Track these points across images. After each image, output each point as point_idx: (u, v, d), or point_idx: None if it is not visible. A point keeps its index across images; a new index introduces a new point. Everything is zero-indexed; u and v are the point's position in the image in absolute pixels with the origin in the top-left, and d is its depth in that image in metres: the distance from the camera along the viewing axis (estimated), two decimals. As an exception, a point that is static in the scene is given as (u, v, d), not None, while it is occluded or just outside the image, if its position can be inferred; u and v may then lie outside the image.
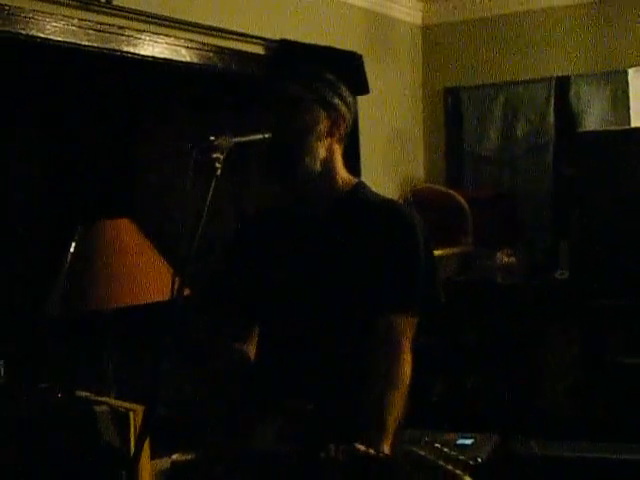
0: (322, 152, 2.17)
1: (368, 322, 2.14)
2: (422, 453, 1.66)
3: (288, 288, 2.21)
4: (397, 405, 2.07)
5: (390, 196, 2.40)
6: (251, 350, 2.35)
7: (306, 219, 2.24)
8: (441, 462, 1.63)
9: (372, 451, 1.79)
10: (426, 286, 2.17)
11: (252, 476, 2.09)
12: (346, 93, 2.22)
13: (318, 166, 2.16)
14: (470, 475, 1.61)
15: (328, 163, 2.19)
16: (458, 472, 1.61)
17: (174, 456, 3.01)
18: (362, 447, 1.81)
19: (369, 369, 2.12)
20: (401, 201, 4.80)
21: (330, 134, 2.19)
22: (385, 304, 2.14)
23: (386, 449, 1.97)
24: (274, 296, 2.24)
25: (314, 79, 2.18)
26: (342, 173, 2.25)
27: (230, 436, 2.17)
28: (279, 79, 2.17)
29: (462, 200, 5.13)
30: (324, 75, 2.19)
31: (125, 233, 3.28)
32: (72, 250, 3.23)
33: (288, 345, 2.20)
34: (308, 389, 2.11)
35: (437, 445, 1.68)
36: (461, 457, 1.64)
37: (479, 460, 1.72)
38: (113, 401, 2.92)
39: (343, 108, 2.20)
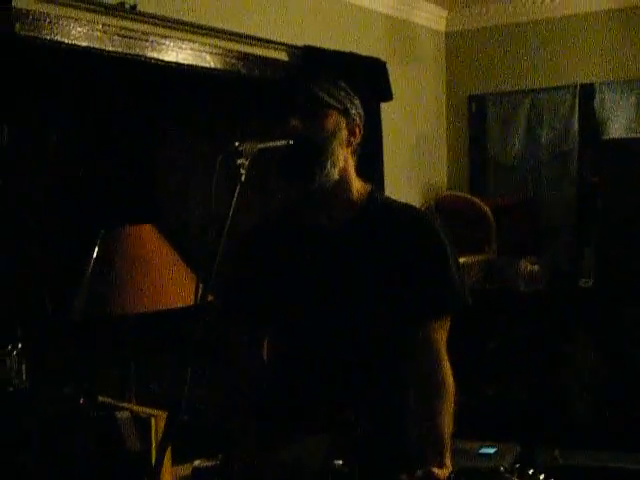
0: (341, 160, 2.16)
1: (400, 330, 2.14)
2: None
3: (313, 297, 2.18)
4: (450, 414, 2.09)
5: (413, 203, 2.39)
6: (262, 357, 2.33)
7: (327, 227, 2.21)
8: None
9: (451, 476, 1.77)
10: (455, 288, 2.17)
11: None
12: (360, 105, 2.22)
13: (336, 174, 2.15)
14: None
15: (344, 172, 2.18)
16: None
17: (196, 462, 3.00)
18: (438, 470, 1.82)
19: (413, 382, 2.12)
20: (424, 208, 4.79)
21: (348, 143, 2.19)
22: (421, 312, 2.14)
23: (449, 462, 1.99)
24: (296, 306, 2.21)
25: (336, 87, 2.18)
26: (356, 182, 2.24)
27: (261, 446, 2.15)
28: (305, 85, 2.16)
29: (485, 207, 5.10)
30: (343, 85, 2.20)
31: (148, 239, 3.29)
32: (95, 255, 3.24)
33: (315, 355, 2.17)
34: (342, 401, 2.11)
35: (531, 472, 1.60)
36: None
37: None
38: (135, 407, 2.92)
39: (358, 119, 2.21)
